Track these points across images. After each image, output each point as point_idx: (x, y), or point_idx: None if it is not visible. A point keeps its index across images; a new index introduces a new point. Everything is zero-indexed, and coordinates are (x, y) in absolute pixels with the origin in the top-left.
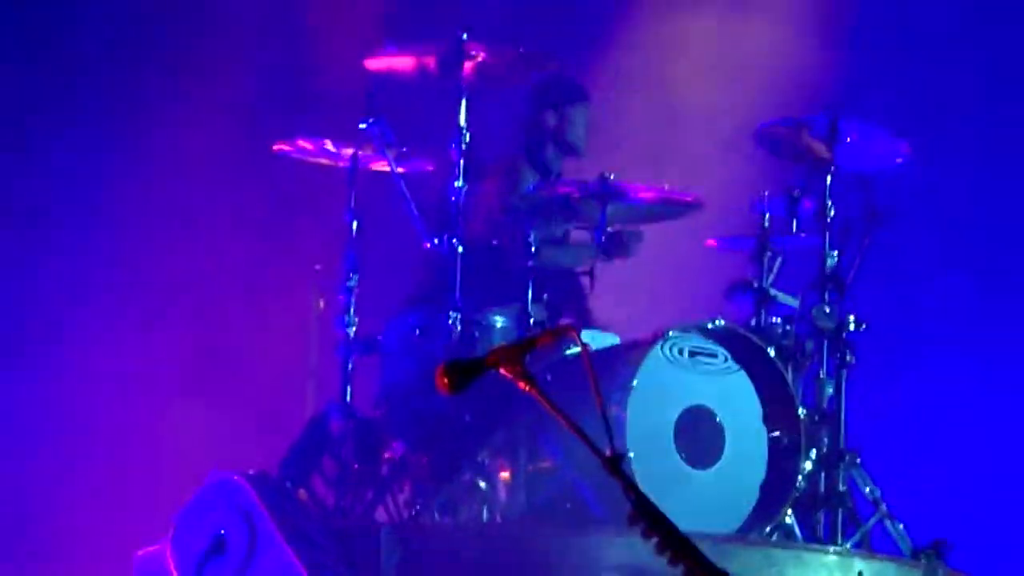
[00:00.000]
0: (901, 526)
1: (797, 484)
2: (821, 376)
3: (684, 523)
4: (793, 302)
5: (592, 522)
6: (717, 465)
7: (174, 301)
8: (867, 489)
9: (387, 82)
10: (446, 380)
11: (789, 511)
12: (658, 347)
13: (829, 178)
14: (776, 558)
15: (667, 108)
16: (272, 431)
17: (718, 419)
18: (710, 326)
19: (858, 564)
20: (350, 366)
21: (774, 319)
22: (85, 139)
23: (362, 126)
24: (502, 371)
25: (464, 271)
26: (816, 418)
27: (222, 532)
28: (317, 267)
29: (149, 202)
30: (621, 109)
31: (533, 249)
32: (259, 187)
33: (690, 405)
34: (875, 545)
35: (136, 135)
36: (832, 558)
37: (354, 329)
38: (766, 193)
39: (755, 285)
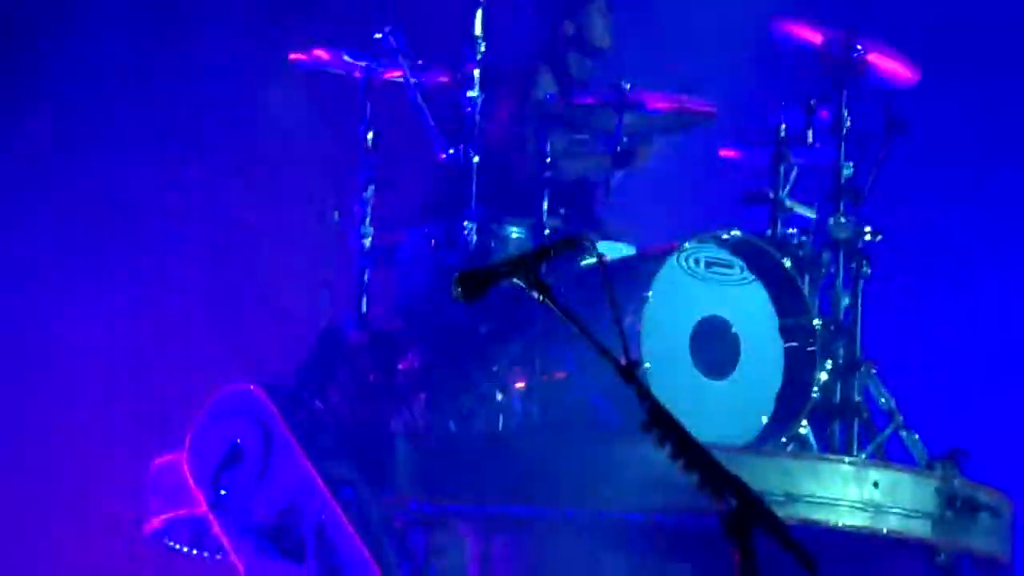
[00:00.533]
0: (916, 436)
1: (812, 394)
2: (837, 287)
3: (699, 433)
4: (810, 213)
5: (607, 432)
6: (732, 375)
7: (188, 211)
8: (882, 399)
9: None
10: (461, 289)
11: (804, 421)
12: (673, 257)
13: (845, 89)
14: (790, 468)
15: (681, 16)
16: (289, 342)
17: (733, 329)
18: (725, 236)
19: (873, 474)
20: (365, 277)
21: (790, 230)
22: (97, 57)
23: (377, 36)
24: (517, 280)
25: (479, 182)
26: (832, 328)
27: (238, 441)
28: (333, 175)
29: (164, 113)
30: (637, 18)
31: (548, 160)
32: (275, 97)
33: (705, 315)
34: (890, 455)
35: (146, 48)
36: (847, 468)
37: (369, 240)
38: (782, 103)
39: (771, 196)
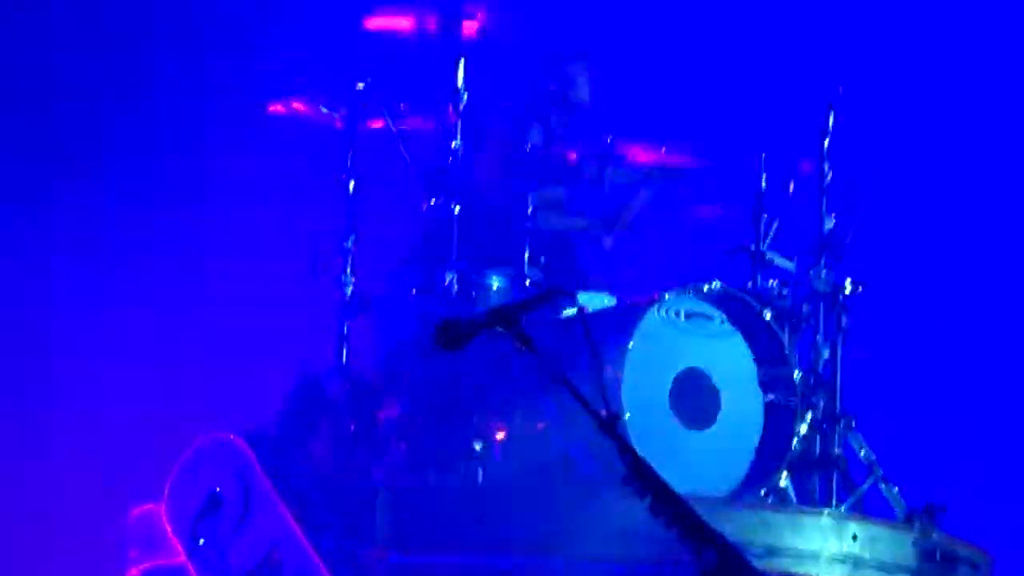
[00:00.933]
0: (896, 489)
1: (792, 447)
2: (817, 339)
3: (679, 485)
4: (789, 265)
5: (587, 482)
6: (713, 427)
7: (172, 260)
8: (862, 452)
9: (386, 41)
10: (442, 339)
11: (784, 473)
12: (654, 309)
13: (827, 141)
14: (771, 520)
15: (666, 70)
16: (268, 391)
17: (714, 381)
18: (706, 288)
19: (852, 527)
20: (346, 326)
21: (770, 282)
22: (88, 110)
23: (360, 85)
24: (499, 331)
25: (461, 231)
26: (812, 381)
27: (217, 490)
28: (314, 225)
29: (146, 159)
30: (621, 70)
31: (531, 211)
32: (257, 147)
33: (686, 367)
34: (869, 508)
35: (134, 93)
36: (827, 520)
37: (351, 289)
38: (763, 155)
39: (751, 248)
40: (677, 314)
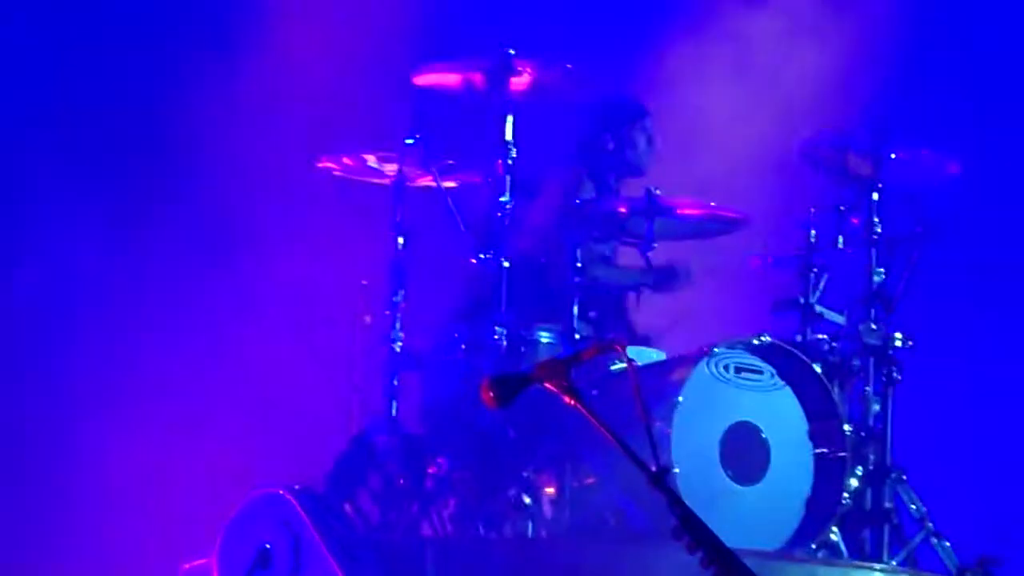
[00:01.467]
0: (947, 544)
1: (843, 501)
2: (867, 393)
3: (729, 539)
4: (839, 319)
5: (637, 538)
6: (762, 481)
7: (222, 316)
8: (913, 506)
9: (434, 97)
10: (492, 394)
11: (835, 528)
12: (704, 363)
13: (876, 194)
14: (822, 574)
15: (711, 125)
16: (318, 446)
17: (764, 435)
18: (756, 342)
19: None
20: (396, 381)
21: (820, 336)
22: (136, 150)
23: (408, 141)
24: (548, 385)
25: (510, 287)
26: (862, 435)
27: (268, 546)
28: (364, 282)
29: (197, 214)
30: (667, 126)
31: (579, 265)
32: (307, 202)
33: (736, 421)
34: (921, 563)
35: (185, 149)
36: (878, 575)
37: (400, 344)
38: (812, 209)
39: (801, 301)
40: (727, 368)
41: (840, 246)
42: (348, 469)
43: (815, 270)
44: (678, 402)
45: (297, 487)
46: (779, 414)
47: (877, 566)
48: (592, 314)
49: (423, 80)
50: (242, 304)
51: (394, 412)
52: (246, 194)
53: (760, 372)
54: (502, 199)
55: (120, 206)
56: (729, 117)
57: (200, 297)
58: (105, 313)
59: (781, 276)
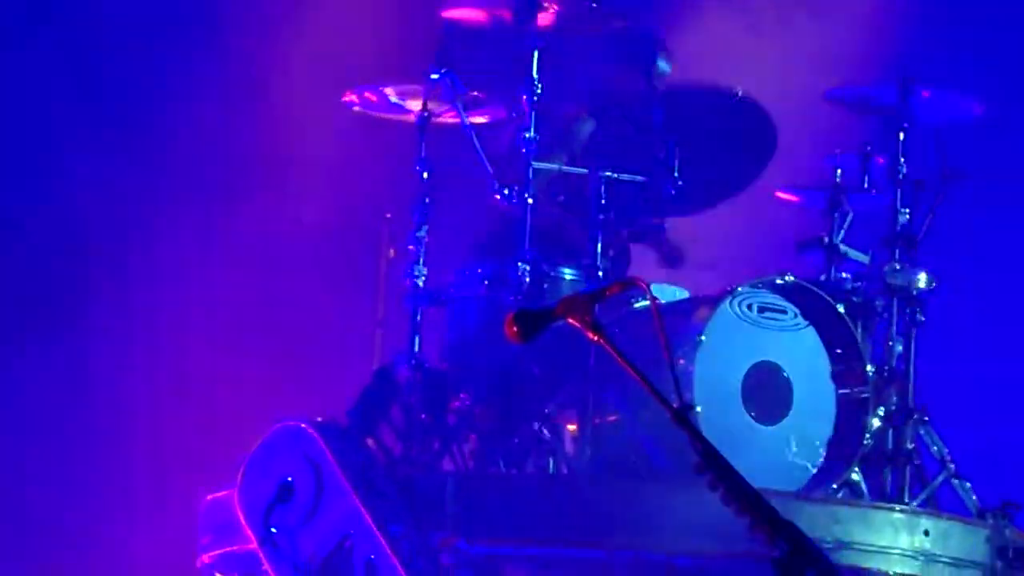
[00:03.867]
0: (968, 485)
1: (865, 441)
2: (891, 334)
3: (750, 479)
4: (864, 259)
5: (657, 476)
6: (784, 421)
7: (244, 251)
8: (934, 448)
9: (460, 32)
10: (516, 329)
11: (856, 468)
12: (727, 302)
13: (902, 135)
14: (842, 516)
15: (740, 62)
16: (341, 380)
17: (786, 375)
18: (779, 281)
19: (924, 523)
20: (419, 317)
21: (844, 275)
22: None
23: (434, 76)
24: (571, 321)
25: (534, 223)
26: (885, 376)
27: (289, 479)
28: (388, 216)
29: (221, 149)
30: (690, 61)
31: (603, 201)
32: (331, 137)
33: (758, 361)
34: (942, 504)
35: (210, 83)
36: (899, 516)
37: (423, 280)
38: (838, 150)
39: (826, 241)
40: (750, 307)
41: (866, 186)
42: (371, 403)
43: (840, 210)
44: (700, 341)
45: (319, 420)
46: (802, 354)
47: (898, 507)
48: (612, 251)
49: (450, 14)
50: (266, 239)
51: (417, 347)
52: (269, 128)
53: (783, 312)
54: (527, 135)
55: (144, 143)
56: (755, 55)
57: (224, 232)
58: (125, 245)
59: (806, 215)
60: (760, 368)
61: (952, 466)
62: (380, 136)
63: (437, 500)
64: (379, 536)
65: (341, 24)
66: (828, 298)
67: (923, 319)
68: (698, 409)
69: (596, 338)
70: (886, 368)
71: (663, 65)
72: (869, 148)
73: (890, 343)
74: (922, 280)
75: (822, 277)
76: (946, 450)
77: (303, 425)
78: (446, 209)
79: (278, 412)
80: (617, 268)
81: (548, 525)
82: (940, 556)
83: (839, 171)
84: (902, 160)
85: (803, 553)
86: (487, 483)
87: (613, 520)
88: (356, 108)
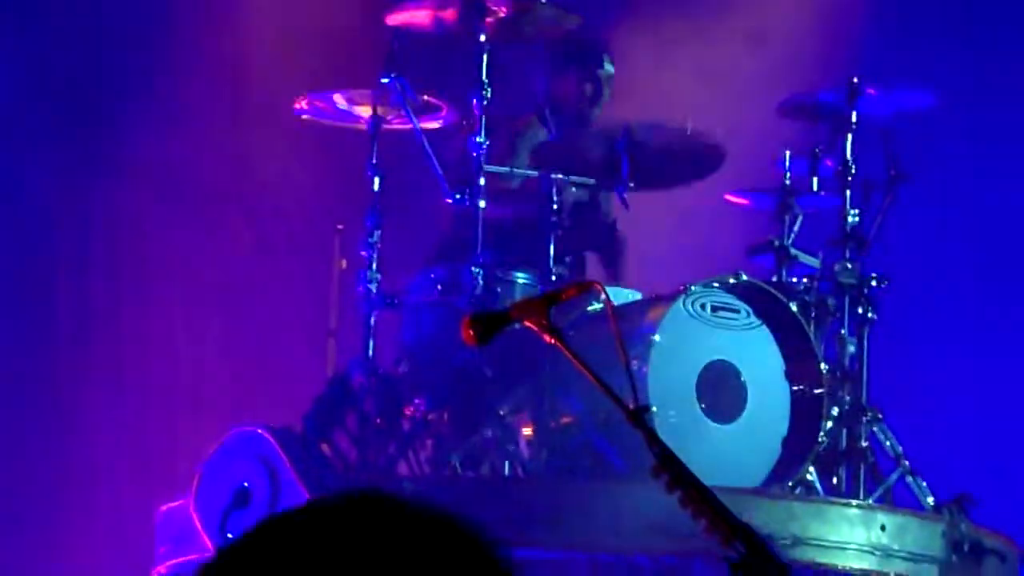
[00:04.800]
0: (923, 482)
1: (819, 439)
2: (843, 333)
3: (706, 478)
4: (814, 262)
5: (613, 477)
6: (739, 420)
7: (195, 258)
8: (888, 444)
9: (407, 36)
10: (472, 332)
11: (811, 467)
12: (680, 301)
13: (850, 136)
14: (798, 512)
15: (691, 69)
16: (295, 390)
17: (740, 374)
18: (732, 281)
19: (880, 518)
20: (372, 322)
21: (795, 279)
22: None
23: (384, 81)
24: (527, 324)
25: (486, 227)
26: (838, 374)
27: (245, 484)
28: (339, 227)
29: (167, 160)
30: (642, 65)
31: (555, 206)
32: (280, 145)
33: (712, 360)
34: (897, 501)
35: (151, 95)
36: (854, 511)
37: (376, 285)
38: (787, 152)
39: (776, 244)
40: (703, 307)
41: (815, 188)
42: (326, 409)
43: (790, 212)
44: (654, 341)
45: (275, 426)
46: (755, 353)
47: (855, 502)
48: (568, 257)
49: (396, 19)
50: (219, 246)
51: (371, 353)
52: (220, 136)
53: (736, 311)
54: (477, 139)
55: (94, 154)
56: (707, 65)
57: (174, 239)
58: (86, 255)
59: (756, 218)
60: (714, 367)
61: (906, 463)
62: (330, 144)
63: None
64: None
65: (290, 32)
66: (781, 296)
67: (875, 317)
68: (654, 409)
69: (552, 340)
70: (839, 367)
71: (609, 67)
72: (818, 150)
73: (842, 342)
74: (873, 279)
75: (774, 279)
76: (900, 447)
77: (259, 430)
78: (398, 215)
79: (233, 421)
80: (574, 272)
81: (503, 528)
82: (897, 551)
83: (788, 174)
84: (851, 161)
85: (758, 554)
86: (443, 487)
87: (570, 522)
88: (306, 116)
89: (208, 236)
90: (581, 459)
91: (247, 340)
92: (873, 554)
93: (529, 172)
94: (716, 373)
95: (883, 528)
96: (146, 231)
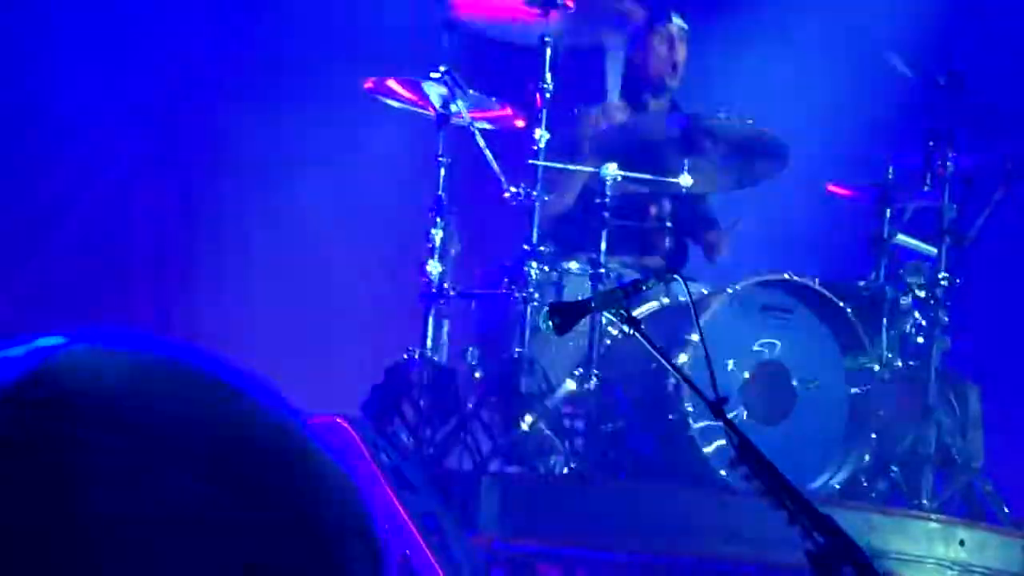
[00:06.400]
0: (989, 487)
1: (871, 443)
2: (911, 332)
3: None
4: (931, 251)
5: (657, 477)
6: (789, 421)
7: (263, 245)
8: (953, 449)
9: (472, 29)
10: (552, 321)
11: (895, 468)
12: (729, 300)
13: (957, 130)
14: (877, 523)
15: (788, 63)
16: (355, 377)
17: (791, 374)
18: (783, 279)
19: (960, 532)
20: (432, 313)
21: (913, 261)
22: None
23: (433, 75)
24: (607, 314)
25: (543, 220)
26: (898, 374)
27: None
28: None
29: (242, 139)
30: (739, 59)
31: (608, 199)
32: (350, 128)
33: (763, 360)
34: (960, 507)
35: (221, 73)
36: (934, 526)
37: (438, 276)
38: (895, 144)
39: (884, 236)
40: (753, 306)
41: (927, 184)
42: (383, 400)
43: (894, 205)
44: (691, 340)
45: (350, 415)
46: (806, 354)
47: (933, 516)
48: (625, 247)
49: (463, 11)
50: (283, 233)
51: (429, 345)
52: (293, 118)
53: (788, 311)
54: (536, 133)
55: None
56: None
57: (243, 220)
58: (130, 246)
59: (857, 210)
60: (765, 367)
61: (977, 469)
62: (401, 130)
63: (470, 498)
64: (414, 531)
65: (360, 19)
66: (832, 296)
67: (946, 319)
68: (689, 409)
69: (632, 331)
70: (898, 366)
71: (678, 20)
72: (931, 143)
73: (911, 341)
74: (945, 278)
75: (873, 274)
76: (974, 455)
77: (337, 419)
78: (458, 208)
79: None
80: (673, 263)
81: (584, 521)
82: (976, 567)
83: (891, 168)
84: (951, 156)
85: (840, 547)
86: (522, 482)
87: (640, 518)
88: (379, 96)
89: (275, 217)
90: (629, 458)
91: (308, 327)
92: (952, 569)
93: (586, 168)
94: (767, 373)
95: (962, 543)
96: (203, 218)
